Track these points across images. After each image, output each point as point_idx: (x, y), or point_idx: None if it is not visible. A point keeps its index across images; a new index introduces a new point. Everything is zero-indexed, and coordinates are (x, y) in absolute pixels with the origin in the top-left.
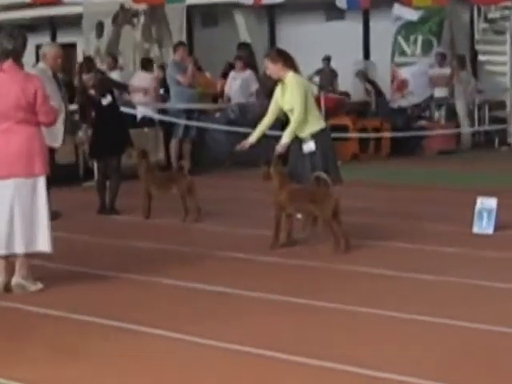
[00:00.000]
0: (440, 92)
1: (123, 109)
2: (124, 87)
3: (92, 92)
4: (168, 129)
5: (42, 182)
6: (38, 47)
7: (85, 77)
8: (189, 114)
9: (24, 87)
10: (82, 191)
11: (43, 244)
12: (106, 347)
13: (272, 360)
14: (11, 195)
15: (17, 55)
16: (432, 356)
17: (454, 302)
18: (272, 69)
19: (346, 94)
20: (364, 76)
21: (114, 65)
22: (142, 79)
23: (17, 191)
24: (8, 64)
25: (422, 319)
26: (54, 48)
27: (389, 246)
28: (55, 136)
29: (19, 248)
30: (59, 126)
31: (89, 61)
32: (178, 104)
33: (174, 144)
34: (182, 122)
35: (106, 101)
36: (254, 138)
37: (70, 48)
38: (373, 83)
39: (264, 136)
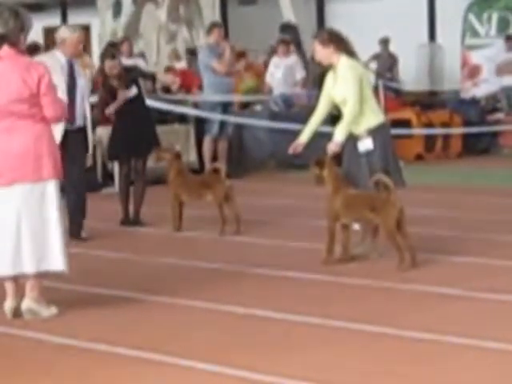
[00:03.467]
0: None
1: (150, 102)
2: (151, 76)
3: (115, 83)
4: (200, 125)
5: (52, 188)
6: (47, 30)
7: (108, 64)
8: (225, 107)
9: (26, 76)
10: (101, 199)
11: (56, 262)
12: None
13: None
14: (17, 205)
15: (12, 40)
16: None
17: None
18: (321, 53)
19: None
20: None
21: (131, 52)
22: None
23: (23, 200)
24: (5, 50)
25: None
26: (77, 32)
27: (461, 262)
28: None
29: (28, 267)
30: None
31: (113, 46)
32: (213, 95)
33: (207, 143)
34: (217, 116)
35: (131, 93)
36: (305, 137)
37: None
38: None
39: (315, 134)
